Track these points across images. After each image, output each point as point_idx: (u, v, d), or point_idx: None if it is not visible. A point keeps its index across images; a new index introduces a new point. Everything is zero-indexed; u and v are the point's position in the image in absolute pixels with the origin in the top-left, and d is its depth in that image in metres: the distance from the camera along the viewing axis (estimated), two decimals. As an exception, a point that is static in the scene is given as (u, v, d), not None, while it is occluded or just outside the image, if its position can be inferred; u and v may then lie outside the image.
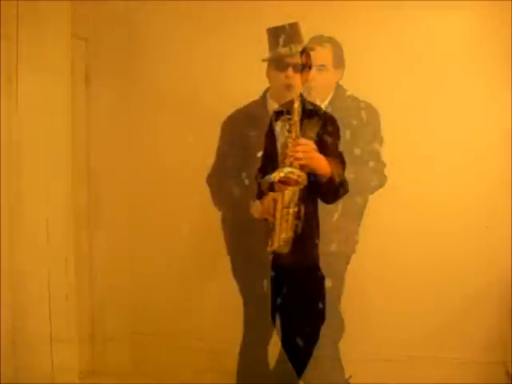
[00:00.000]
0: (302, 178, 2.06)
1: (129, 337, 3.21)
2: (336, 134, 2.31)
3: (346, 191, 2.26)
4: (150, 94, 3.11)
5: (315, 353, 2.31)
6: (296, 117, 2.13)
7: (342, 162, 2.28)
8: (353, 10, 2.77)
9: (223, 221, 2.58)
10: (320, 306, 2.31)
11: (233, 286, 2.92)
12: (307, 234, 2.20)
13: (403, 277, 2.79)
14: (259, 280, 2.30)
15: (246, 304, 2.54)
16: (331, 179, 2.17)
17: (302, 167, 2.07)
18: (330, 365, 2.57)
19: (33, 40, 2.35)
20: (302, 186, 2.08)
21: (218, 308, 3.07)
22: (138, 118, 3.16)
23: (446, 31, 2.75)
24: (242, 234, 2.41)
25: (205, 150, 2.67)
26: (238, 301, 2.95)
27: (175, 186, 3.13)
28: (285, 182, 2.06)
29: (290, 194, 2.07)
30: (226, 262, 2.93)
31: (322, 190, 2.21)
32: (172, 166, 3.12)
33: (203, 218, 3.00)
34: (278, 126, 2.25)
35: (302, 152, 2.09)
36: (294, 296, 2.24)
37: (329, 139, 2.25)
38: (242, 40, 2.91)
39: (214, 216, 2.59)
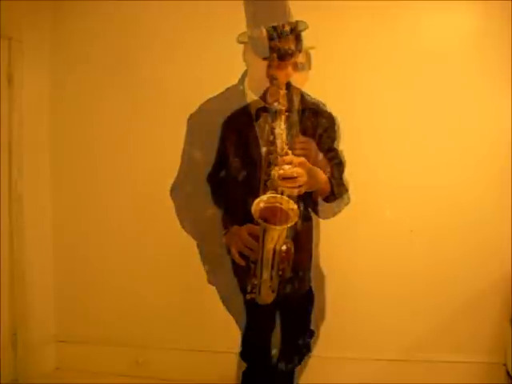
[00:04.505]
0: (295, 212, 1.59)
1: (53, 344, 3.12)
2: (332, 133, 1.96)
3: (347, 203, 1.97)
4: (77, 96, 3.04)
5: (315, 353, 2.22)
6: (282, 125, 1.67)
7: (340, 164, 1.98)
8: (353, 10, 2.75)
9: (198, 245, 2.00)
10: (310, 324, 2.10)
11: (156, 295, 2.94)
12: (300, 266, 1.88)
13: (403, 278, 2.78)
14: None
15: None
16: (331, 193, 1.87)
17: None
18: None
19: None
20: (293, 223, 1.59)
21: (145, 313, 3.01)
22: (63, 121, 3.08)
23: (446, 31, 2.75)
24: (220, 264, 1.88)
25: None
26: (163, 304, 2.92)
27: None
28: (268, 212, 1.59)
29: (275, 233, 1.59)
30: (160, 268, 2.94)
31: (318, 208, 1.91)
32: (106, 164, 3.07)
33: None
34: (260, 129, 1.80)
35: (298, 178, 1.64)
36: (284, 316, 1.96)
37: (322, 140, 1.92)
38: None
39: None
